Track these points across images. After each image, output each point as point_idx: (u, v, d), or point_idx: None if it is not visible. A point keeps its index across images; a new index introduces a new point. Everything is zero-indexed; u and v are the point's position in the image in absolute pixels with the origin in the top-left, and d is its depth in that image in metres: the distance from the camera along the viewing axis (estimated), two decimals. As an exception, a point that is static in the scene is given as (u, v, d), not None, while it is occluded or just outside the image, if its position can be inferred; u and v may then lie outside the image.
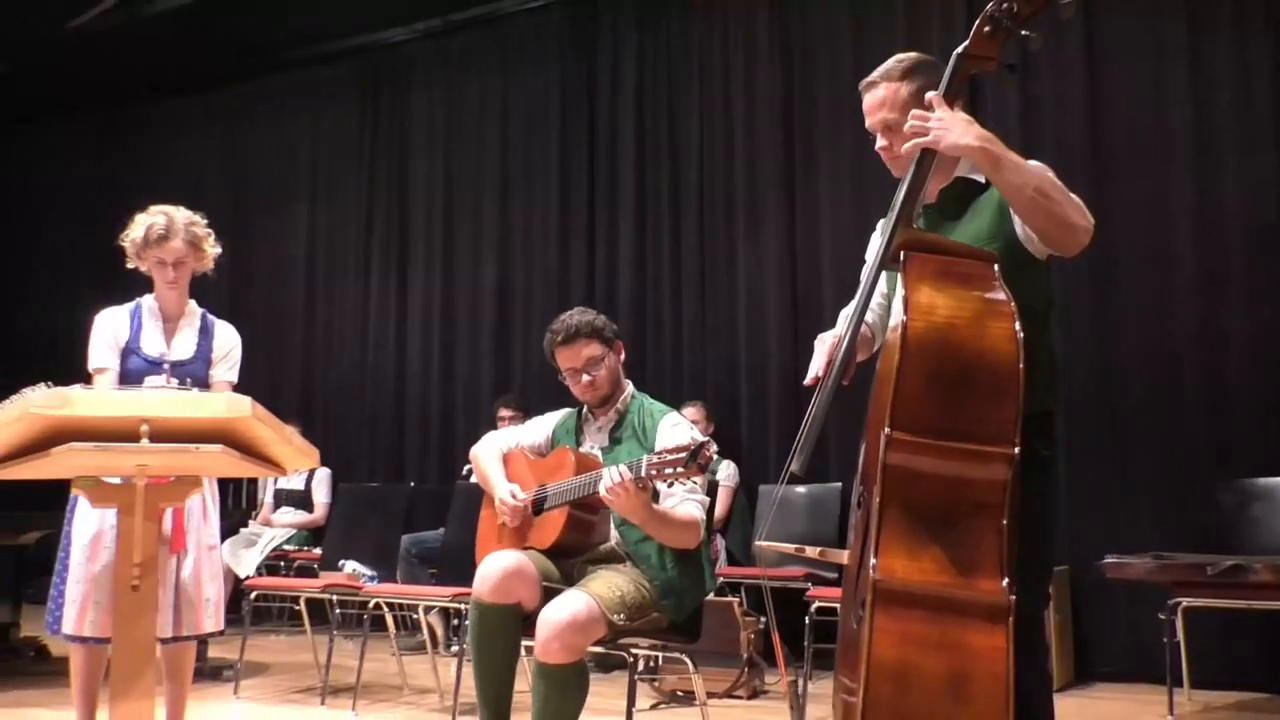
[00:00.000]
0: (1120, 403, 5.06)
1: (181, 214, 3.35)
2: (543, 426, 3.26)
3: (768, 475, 5.63)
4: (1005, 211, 2.14)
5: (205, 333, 3.42)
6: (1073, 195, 2.08)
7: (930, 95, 2.08)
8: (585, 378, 3.03)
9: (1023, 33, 2.04)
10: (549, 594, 2.78)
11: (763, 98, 6.16)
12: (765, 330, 5.97)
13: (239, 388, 3.27)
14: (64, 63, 7.81)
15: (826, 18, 5.97)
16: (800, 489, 5.19)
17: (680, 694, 4.44)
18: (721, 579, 5.10)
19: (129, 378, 3.24)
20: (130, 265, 3.36)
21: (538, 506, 3.03)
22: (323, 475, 6.58)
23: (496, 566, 2.78)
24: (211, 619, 3.29)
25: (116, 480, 2.65)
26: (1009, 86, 5.38)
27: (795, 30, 6.09)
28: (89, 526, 3.16)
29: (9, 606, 5.35)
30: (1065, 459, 4.99)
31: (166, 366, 3.30)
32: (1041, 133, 5.33)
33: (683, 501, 2.86)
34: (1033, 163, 2.10)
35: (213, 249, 3.42)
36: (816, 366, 2.17)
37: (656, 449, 2.82)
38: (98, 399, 2.52)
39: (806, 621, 4.15)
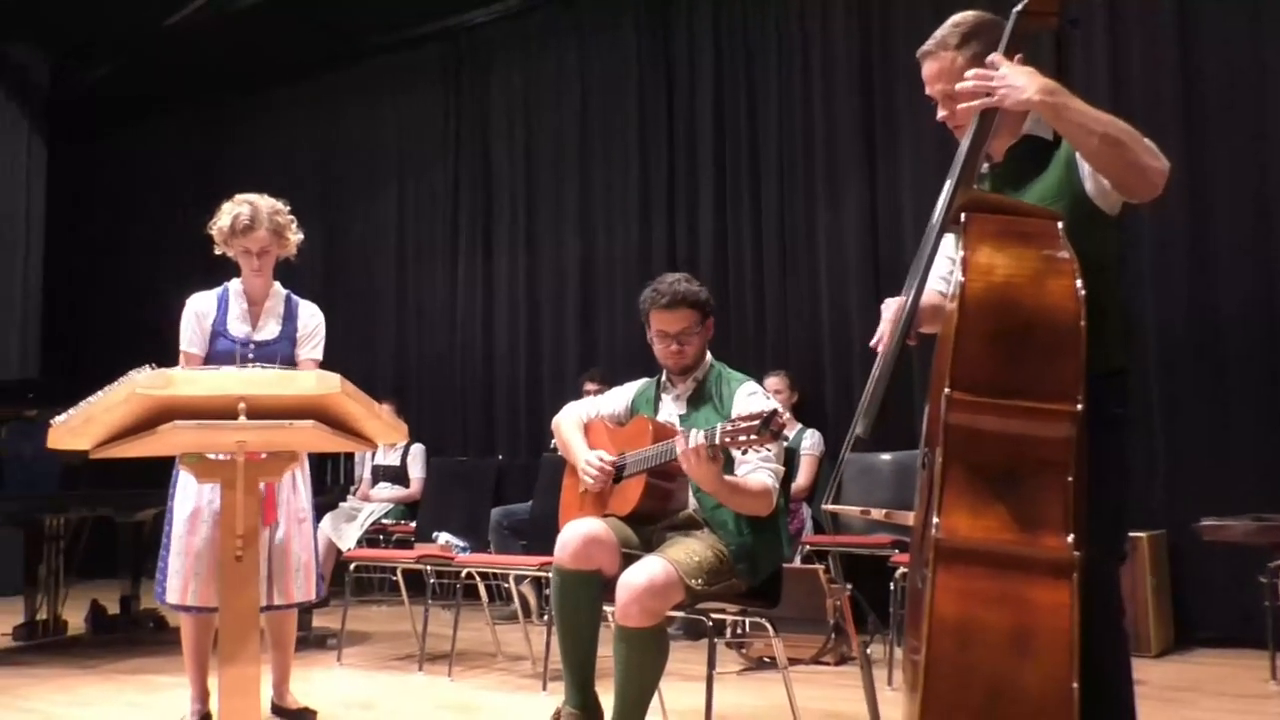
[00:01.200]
0: (1218, 360, 4.92)
1: (265, 203, 3.49)
2: (622, 396, 3.32)
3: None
4: (1073, 168, 2.12)
5: (289, 314, 3.57)
6: (1145, 139, 2.03)
7: (992, 57, 2.06)
8: (675, 345, 3.09)
9: (1084, -14, 2.01)
10: (628, 560, 2.84)
11: (841, 64, 6.10)
12: (847, 298, 5.94)
13: (328, 365, 3.42)
14: (164, 60, 8.12)
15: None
16: (885, 455, 5.17)
17: (767, 660, 4.50)
18: (808, 547, 5.13)
19: (217, 359, 3.41)
20: (218, 252, 3.52)
21: (617, 474, 3.10)
22: (417, 451, 6.78)
23: (576, 533, 2.86)
24: (302, 587, 3.44)
25: (218, 456, 2.79)
26: (1097, 39, 5.26)
27: (874, -7, 6.03)
28: (188, 502, 3.34)
29: (129, 580, 5.66)
30: (1162, 418, 4.93)
31: (252, 347, 3.45)
32: (1132, 84, 5.19)
33: (756, 470, 2.90)
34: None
35: (295, 235, 3.55)
36: (882, 330, 2.19)
37: (732, 417, 2.86)
38: (198, 378, 2.66)
39: (891, 587, 4.16)
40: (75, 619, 5.52)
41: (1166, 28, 5.16)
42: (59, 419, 2.55)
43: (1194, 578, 4.85)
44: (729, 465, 2.91)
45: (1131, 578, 4.54)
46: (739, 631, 4.58)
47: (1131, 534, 4.53)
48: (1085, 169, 2.08)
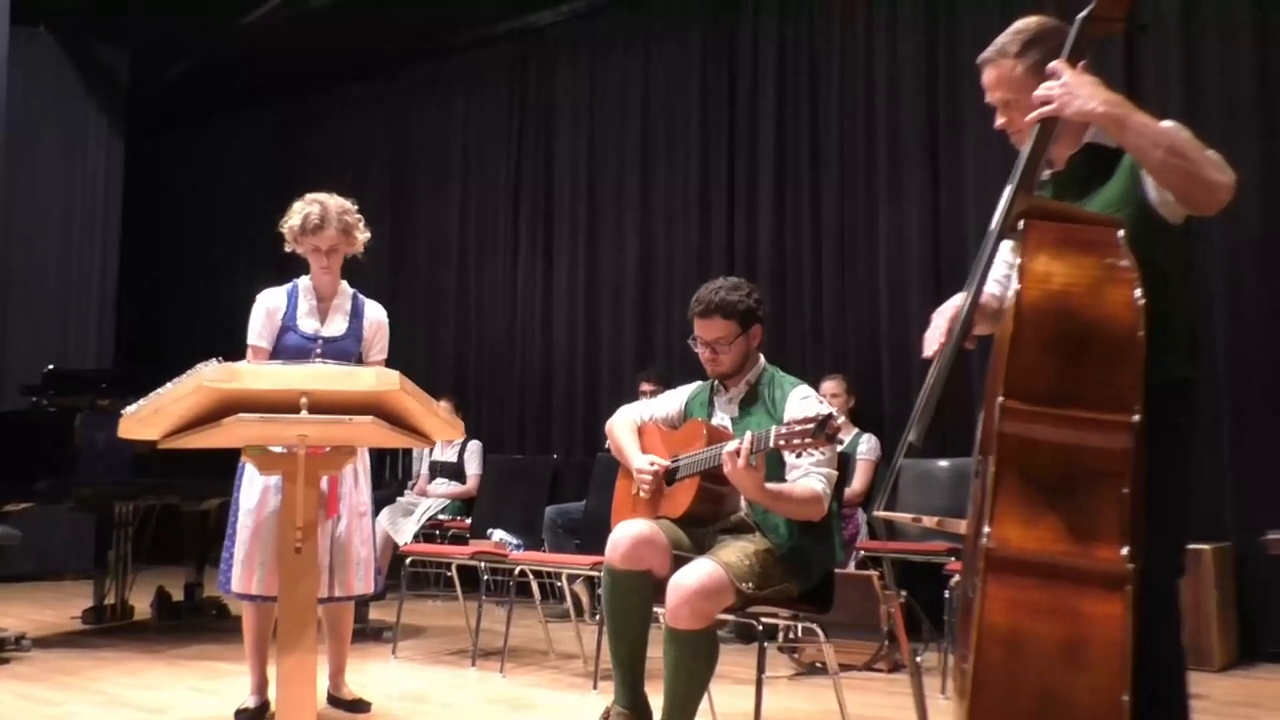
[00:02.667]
0: (1291, 371, 4.80)
1: (335, 203, 3.56)
2: (676, 399, 3.33)
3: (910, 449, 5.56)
4: (1137, 176, 2.09)
5: (356, 312, 3.65)
6: (1209, 151, 2.00)
7: (1053, 64, 2.04)
8: (709, 353, 3.10)
9: (1151, -9, 1.98)
10: (679, 562, 2.85)
11: (906, 63, 6.05)
12: (907, 301, 5.88)
13: (391, 362, 3.48)
14: (240, 57, 8.31)
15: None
16: (943, 462, 5.12)
17: (818, 665, 4.48)
18: (862, 552, 5.10)
19: (287, 353, 3.49)
20: (288, 249, 3.61)
21: (670, 476, 3.11)
22: (474, 448, 6.85)
23: (627, 534, 2.87)
24: (362, 580, 3.51)
25: (281, 449, 2.86)
26: (1172, 44, 5.15)
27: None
28: (253, 493, 3.43)
29: (193, 568, 5.81)
30: (1231, 429, 4.81)
31: (320, 342, 3.53)
32: (1207, 89, 5.08)
33: (806, 475, 2.89)
34: (1166, 123, 2.04)
35: (363, 234, 3.63)
36: (934, 338, 2.18)
37: (785, 420, 2.86)
38: (262, 373, 2.73)
39: (946, 595, 4.12)
40: (141, 604, 5.69)
41: (1242, 32, 5.04)
42: (130, 409, 2.63)
43: (1260, 591, 4.74)
44: (779, 468, 2.91)
45: (1196, 590, 4.46)
46: (790, 636, 4.57)
47: (1196, 546, 4.45)
48: (1149, 178, 2.05)
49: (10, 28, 7.22)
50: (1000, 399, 1.82)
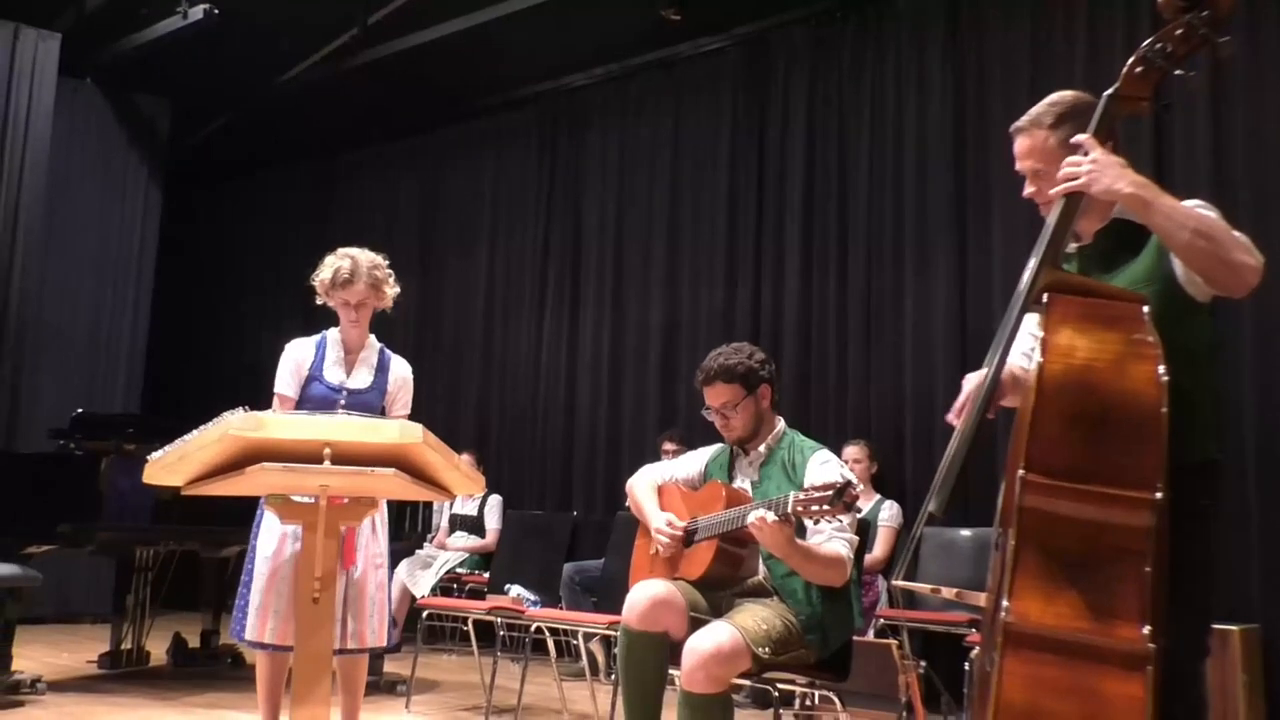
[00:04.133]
0: (1320, 452, 4.74)
1: (365, 257, 3.62)
2: (696, 461, 3.34)
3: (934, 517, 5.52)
4: (1165, 254, 2.09)
5: (382, 366, 3.69)
6: (1237, 233, 2.00)
7: (1081, 138, 2.05)
8: (720, 419, 3.12)
9: (1176, 72, 2.00)
10: (696, 624, 2.84)
11: (935, 135, 6.09)
12: (932, 369, 5.87)
13: (415, 415, 3.51)
14: (277, 114, 8.49)
15: (1002, 53, 5.89)
16: (965, 531, 5.07)
17: (835, 735, 4.41)
18: (882, 620, 5.04)
19: (312, 402, 3.54)
20: (319, 302, 3.66)
21: (688, 538, 3.10)
22: (495, 502, 6.85)
23: (645, 595, 2.86)
24: (375, 633, 3.50)
25: (303, 499, 2.87)
26: (1200, 121, 5.17)
27: (970, 67, 6.02)
28: (271, 541, 3.44)
29: (210, 614, 5.81)
30: (1259, 509, 4.74)
31: (345, 394, 3.57)
32: (1234, 167, 5.09)
33: (830, 539, 2.88)
34: (1192, 202, 2.05)
35: (392, 289, 3.68)
36: (959, 405, 2.18)
37: (804, 485, 2.86)
38: (287, 423, 2.75)
39: (967, 667, 4.06)
40: (157, 650, 5.67)
41: (1271, 111, 5.04)
42: (155, 455, 2.65)
43: (1290, 676, 4.63)
44: (800, 533, 2.90)
45: (1223, 673, 4.37)
46: (807, 703, 4.50)
47: (1224, 627, 4.37)
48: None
49: (58, 79, 7.43)
50: (1020, 472, 1.82)
